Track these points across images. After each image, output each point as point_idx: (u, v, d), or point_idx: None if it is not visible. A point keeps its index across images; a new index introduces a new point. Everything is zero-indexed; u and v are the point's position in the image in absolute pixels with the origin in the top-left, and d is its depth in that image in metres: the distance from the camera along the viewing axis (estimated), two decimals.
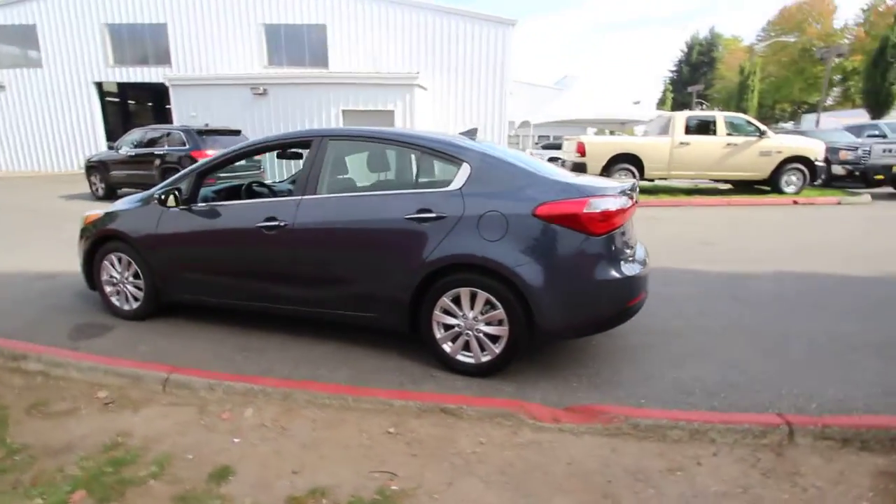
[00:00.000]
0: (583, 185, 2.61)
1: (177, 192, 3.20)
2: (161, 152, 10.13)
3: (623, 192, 2.63)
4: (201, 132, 10.12)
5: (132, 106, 23.87)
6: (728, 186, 11.96)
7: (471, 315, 2.64)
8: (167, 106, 23.90)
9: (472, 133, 3.34)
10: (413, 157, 2.90)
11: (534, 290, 2.46)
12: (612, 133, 23.59)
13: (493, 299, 2.56)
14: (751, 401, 2.44)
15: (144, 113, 24.49)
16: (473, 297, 2.61)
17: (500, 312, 2.56)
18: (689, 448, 2.01)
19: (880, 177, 11.05)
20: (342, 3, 17.12)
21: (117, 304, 3.64)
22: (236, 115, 14.57)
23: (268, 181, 4.37)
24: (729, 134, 10.40)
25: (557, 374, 2.75)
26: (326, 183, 2.99)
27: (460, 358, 2.72)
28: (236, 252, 3.13)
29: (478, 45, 17.12)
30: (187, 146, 9.85)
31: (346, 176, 3.27)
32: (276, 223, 2.95)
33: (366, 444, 2.02)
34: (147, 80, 18.38)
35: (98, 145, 18.16)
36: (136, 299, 3.57)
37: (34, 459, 1.98)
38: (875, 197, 10.22)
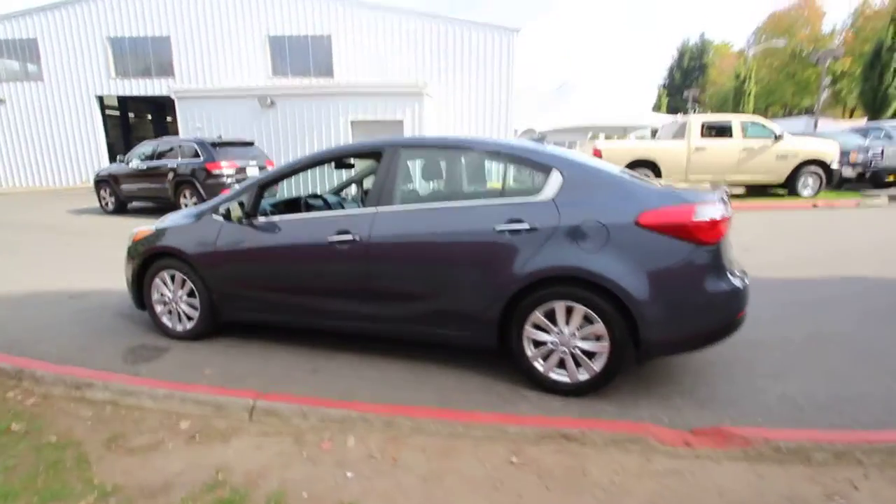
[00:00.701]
0: (682, 191, 2.50)
1: (240, 206, 3.06)
2: (174, 165, 9.96)
3: (721, 199, 2.52)
4: (215, 144, 9.97)
5: (132, 119, 23.65)
6: (741, 191, 11.95)
7: (566, 331, 2.50)
8: (168, 119, 23.89)
9: (540, 139, 3.24)
10: (496, 165, 2.78)
11: (639, 303, 2.33)
12: (607, 139, 23.66)
13: (592, 313, 2.43)
14: (868, 416, 2.32)
15: (144, 126, 24.29)
16: (568, 312, 2.49)
17: (599, 327, 2.43)
18: (838, 471, 1.88)
19: (893, 177, 11.11)
20: (347, 13, 17.11)
21: (169, 324, 3.47)
22: (244, 127, 14.45)
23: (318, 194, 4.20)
24: (745, 137, 10.40)
25: (654, 392, 2.62)
26: (402, 194, 2.87)
27: (553, 377, 2.59)
28: (305, 268, 2.98)
29: (482, 53, 17.15)
30: (202, 158, 9.69)
31: (422, 186, 3.14)
32: (349, 237, 2.81)
33: (493, 477, 1.87)
34: (149, 92, 18.20)
35: (100, 159, 17.93)
36: (189, 319, 3.41)
37: (132, 502, 1.81)
38: (891, 198, 10.22)
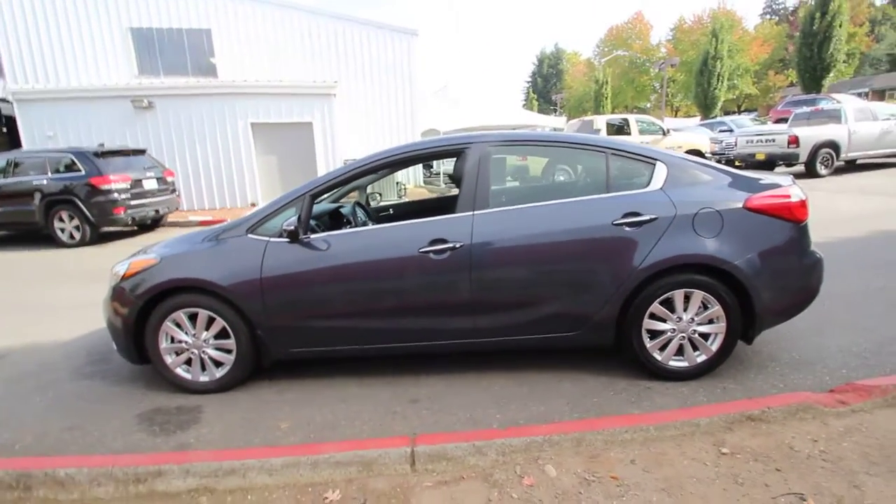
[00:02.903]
0: (772, 176, 2.73)
1: (297, 223, 2.54)
2: (41, 182, 8.00)
3: (794, 183, 2.79)
4: (97, 153, 8.22)
5: None
6: None
7: (686, 317, 2.56)
8: None
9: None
10: (596, 160, 2.71)
11: (755, 282, 2.47)
12: None
13: (710, 297, 2.52)
14: None
15: None
16: (686, 299, 2.55)
17: (716, 310, 2.53)
18: None
19: (740, 164, 13.56)
20: (229, 6, 15.41)
21: (188, 376, 2.76)
22: (114, 132, 12.18)
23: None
24: (640, 134, 11.82)
25: (750, 363, 2.80)
26: (497, 194, 2.64)
27: (672, 364, 2.62)
28: (390, 285, 2.58)
29: (383, 54, 16.81)
30: (83, 171, 7.93)
31: (518, 185, 2.93)
32: (447, 245, 2.51)
33: (724, 473, 1.81)
34: None
35: None
36: (218, 365, 2.75)
37: None
38: None
